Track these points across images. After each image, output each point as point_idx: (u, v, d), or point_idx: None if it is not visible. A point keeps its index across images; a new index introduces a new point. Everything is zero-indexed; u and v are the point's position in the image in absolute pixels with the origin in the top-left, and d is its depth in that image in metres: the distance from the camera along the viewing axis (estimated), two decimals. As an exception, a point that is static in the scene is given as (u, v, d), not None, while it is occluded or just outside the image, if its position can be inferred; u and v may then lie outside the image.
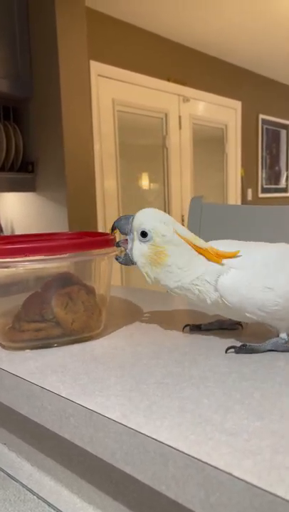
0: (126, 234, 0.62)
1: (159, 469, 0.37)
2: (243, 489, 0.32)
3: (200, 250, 0.59)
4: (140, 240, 0.60)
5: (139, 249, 0.61)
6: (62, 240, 0.77)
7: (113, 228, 0.64)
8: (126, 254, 0.63)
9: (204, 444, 0.36)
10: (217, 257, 0.58)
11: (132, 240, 0.62)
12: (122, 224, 0.62)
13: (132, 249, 0.62)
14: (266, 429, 0.38)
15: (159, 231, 0.59)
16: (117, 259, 0.65)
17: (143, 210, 0.61)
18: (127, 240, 0.63)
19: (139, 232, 0.60)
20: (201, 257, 0.59)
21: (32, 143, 2.32)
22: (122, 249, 0.64)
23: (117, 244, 0.64)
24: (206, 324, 0.69)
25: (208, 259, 0.59)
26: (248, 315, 0.57)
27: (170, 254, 0.59)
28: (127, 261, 0.63)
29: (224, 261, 0.58)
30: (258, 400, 0.44)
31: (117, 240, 0.65)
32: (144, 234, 0.59)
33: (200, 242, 0.60)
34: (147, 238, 0.59)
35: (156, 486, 0.38)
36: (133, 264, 0.63)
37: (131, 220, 0.61)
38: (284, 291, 0.55)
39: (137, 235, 0.61)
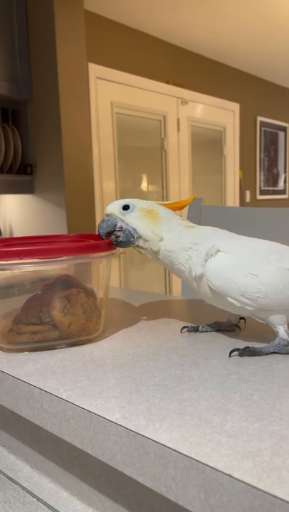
0: (114, 229, 0.65)
1: (159, 471, 0.38)
2: (243, 490, 0.32)
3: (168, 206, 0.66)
4: (127, 214, 0.64)
5: (132, 219, 0.64)
6: (60, 242, 0.77)
7: (102, 236, 0.65)
8: (124, 230, 0.64)
9: (204, 445, 0.36)
10: (179, 205, 0.67)
11: (121, 220, 0.64)
12: (104, 225, 0.65)
13: (126, 224, 0.64)
14: (266, 430, 0.38)
15: (132, 200, 0.65)
16: (116, 243, 0.65)
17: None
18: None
19: (121, 209, 0.64)
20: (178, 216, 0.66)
21: (31, 145, 2.32)
22: (117, 235, 0.65)
23: (115, 242, 0.66)
24: (204, 326, 0.69)
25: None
26: (230, 299, 0.58)
27: (158, 210, 0.64)
28: (128, 236, 0.64)
29: (213, 243, 0.60)
30: (257, 402, 0.44)
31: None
32: (126, 207, 0.64)
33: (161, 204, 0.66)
34: (131, 208, 0.64)
35: (157, 487, 0.38)
36: (133, 238, 0.64)
37: (107, 217, 0.65)
38: (267, 280, 0.56)
39: (121, 213, 0.64)
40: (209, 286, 0.59)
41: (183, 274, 0.63)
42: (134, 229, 0.64)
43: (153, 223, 0.63)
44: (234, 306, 0.58)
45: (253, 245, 0.60)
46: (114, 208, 0.65)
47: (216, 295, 0.59)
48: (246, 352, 0.57)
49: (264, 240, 0.63)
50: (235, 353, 0.58)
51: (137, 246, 0.65)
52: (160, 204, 0.66)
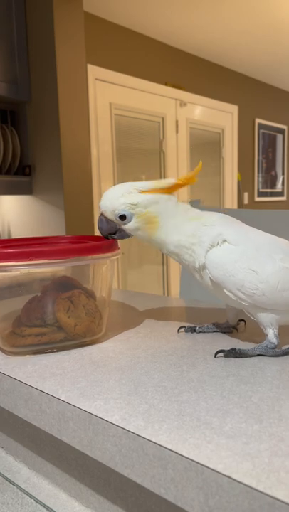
0: (115, 232, 0.63)
1: (158, 472, 0.38)
2: (242, 492, 0.32)
3: (171, 190, 0.60)
4: (125, 223, 0.61)
5: (130, 229, 0.61)
6: (58, 244, 0.77)
7: (107, 237, 0.64)
8: (120, 230, 0.63)
9: (203, 447, 0.36)
10: (188, 180, 0.60)
11: (120, 225, 0.62)
12: (103, 228, 0.63)
13: (125, 232, 0.62)
14: (265, 432, 0.38)
15: (130, 203, 0.59)
16: (110, 237, 0.64)
17: (102, 198, 0.61)
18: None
19: (118, 218, 0.60)
20: (181, 204, 0.61)
21: (29, 146, 2.32)
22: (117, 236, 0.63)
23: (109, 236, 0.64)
24: (202, 327, 0.69)
25: (181, 186, 0.60)
26: (226, 292, 0.57)
27: (157, 214, 0.59)
28: (123, 236, 0.63)
29: (220, 232, 0.58)
30: (256, 403, 0.44)
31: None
32: (122, 217, 0.60)
33: (165, 182, 0.60)
34: (128, 218, 0.60)
35: (156, 489, 0.38)
36: (129, 237, 0.63)
37: (104, 218, 0.62)
38: (267, 278, 0.55)
39: (118, 221, 0.61)
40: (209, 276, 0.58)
41: (187, 268, 0.62)
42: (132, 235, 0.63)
43: (151, 233, 0.60)
44: (230, 299, 0.58)
45: (259, 239, 0.59)
46: (110, 214, 0.61)
47: (214, 285, 0.59)
48: (231, 353, 0.57)
49: (271, 235, 0.61)
50: (221, 354, 0.58)
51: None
52: (163, 190, 0.60)
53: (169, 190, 0.60)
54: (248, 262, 0.56)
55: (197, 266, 0.60)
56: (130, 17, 2.99)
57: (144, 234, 0.61)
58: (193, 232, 0.59)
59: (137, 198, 0.59)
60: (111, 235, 0.64)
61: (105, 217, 0.62)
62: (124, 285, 3.30)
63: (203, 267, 0.59)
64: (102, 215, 0.62)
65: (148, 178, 3.52)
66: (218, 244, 0.58)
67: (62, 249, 0.60)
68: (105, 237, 0.65)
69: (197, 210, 0.62)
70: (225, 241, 0.58)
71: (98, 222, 0.63)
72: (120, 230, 0.63)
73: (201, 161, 0.61)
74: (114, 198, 0.60)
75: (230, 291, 0.57)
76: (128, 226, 0.61)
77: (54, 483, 0.57)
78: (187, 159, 3.79)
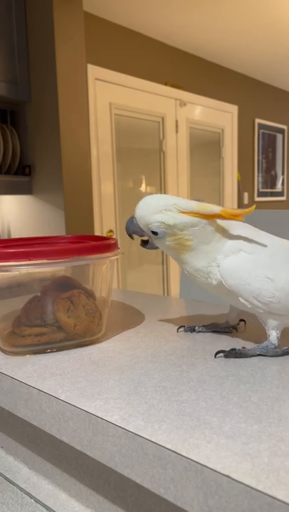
0: (142, 235, 0.61)
1: (158, 472, 0.38)
2: (242, 492, 0.32)
3: (211, 217, 0.56)
4: (156, 238, 0.58)
5: (160, 244, 0.59)
6: (64, 243, 0.77)
7: (130, 235, 0.62)
8: (151, 242, 0.61)
9: (203, 446, 0.36)
10: (233, 216, 0.56)
11: (150, 236, 0.60)
12: (130, 228, 0.60)
13: (154, 244, 0.60)
14: (264, 432, 0.38)
15: (166, 223, 0.56)
16: (143, 246, 0.62)
17: (139, 206, 0.58)
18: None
19: (150, 232, 0.58)
20: (217, 233, 0.58)
21: (29, 146, 2.32)
22: (145, 237, 0.61)
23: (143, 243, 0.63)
24: (201, 326, 0.69)
25: (225, 219, 0.56)
26: (241, 300, 0.56)
27: (191, 237, 0.57)
28: (153, 247, 0.61)
29: (236, 243, 0.57)
30: (255, 403, 0.44)
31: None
32: (155, 233, 0.58)
33: (208, 209, 0.56)
34: (161, 234, 0.57)
35: (155, 489, 0.38)
36: (158, 249, 0.61)
37: (135, 222, 0.59)
38: (282, 285, 0.55)
39: (150, 234, 0.59)
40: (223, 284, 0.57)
41: (201, 285, 0.62)
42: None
43: (180, 252, 0.58)
44: (245, 306, 0.57)
45: (274, 245, 0.58)
46: (142, 225, 0.58)
47: (228, 293, 0.58)
48: (232, 354, 0.57)
49: (283, 240, 0.60)
50: (221, 354, 0.57)
51: None
52: (203, 216, 0.56)
53: (209, 217, 0.56)
54: (264, 270, 0.55)
55: (215, 283, 0.58)
56: (130, 17, 2.98)
57: (173, 253, 0.59)
58: (215, 255, 0.58)
59: (174, 219, 0.56)
60: (144, 245, 0.62)
61: (137, 223, 0.59)
62: (124, 285, 3.30)
63: (220, 279, 0.58)
64: (134, 217, 0.59)
65: (148, 178, 3.52)
66: (233, 253, 0.57)
67: (62, 249, 0.60)
68: (129, 236, 0.62)
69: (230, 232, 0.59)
70: (241, 250, 0.57)
71: (128, 221, 0.60)
72: (151, 242, 0.61)
73: (254, 206, 0.59)
74: (152, 212, 0.56)
75: (246, 300, 0.56)
76: (158, 241, 0.59)
77: (54, 483, 0.57)
78: (187, 159, 3.79)
